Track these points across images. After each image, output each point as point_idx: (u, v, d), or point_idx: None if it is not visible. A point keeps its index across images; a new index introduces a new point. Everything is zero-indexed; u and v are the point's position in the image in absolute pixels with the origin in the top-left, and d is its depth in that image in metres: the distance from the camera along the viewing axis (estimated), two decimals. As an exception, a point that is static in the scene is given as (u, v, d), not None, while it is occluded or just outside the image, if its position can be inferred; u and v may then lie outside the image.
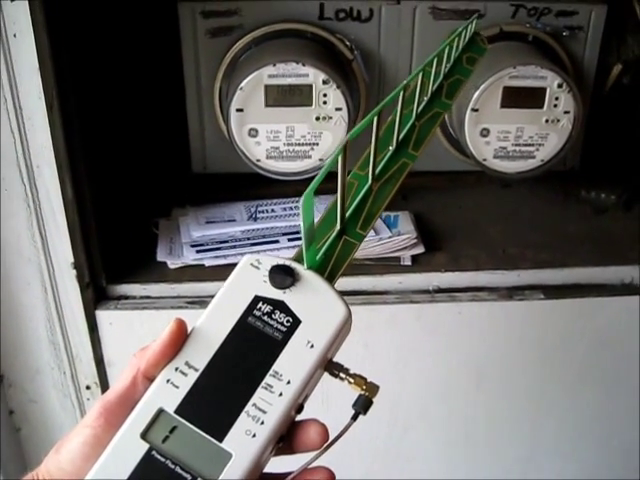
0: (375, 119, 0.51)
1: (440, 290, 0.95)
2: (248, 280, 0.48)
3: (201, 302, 0.92)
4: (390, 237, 0.96)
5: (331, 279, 0.49)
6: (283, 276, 0.48)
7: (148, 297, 0.94)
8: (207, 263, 0.94)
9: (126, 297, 0.94)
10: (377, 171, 0.56)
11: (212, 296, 0.92)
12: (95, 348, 0.94)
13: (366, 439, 1.04)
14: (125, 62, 1.01)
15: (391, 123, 0.58)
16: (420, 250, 0.97)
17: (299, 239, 0.95)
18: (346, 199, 0.51)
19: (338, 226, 0.52)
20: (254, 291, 0.48)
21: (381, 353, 0.96)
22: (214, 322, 0.47)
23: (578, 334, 0.99)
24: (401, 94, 0.55)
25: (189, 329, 0.47)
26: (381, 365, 0.98)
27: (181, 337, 0.46)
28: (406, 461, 1.09)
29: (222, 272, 0.90)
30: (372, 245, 0.95)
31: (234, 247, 0.95)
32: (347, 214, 0.53)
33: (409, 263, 0.96)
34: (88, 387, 0.97)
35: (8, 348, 0.93)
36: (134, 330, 0.93)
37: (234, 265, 0.93)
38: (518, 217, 1.05)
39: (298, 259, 0.49)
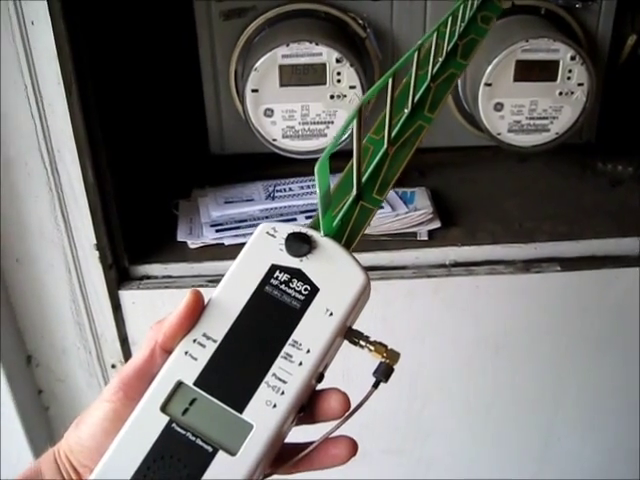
0: (390, 81, 0.50)
1: (457, 264, 0.96)
2: (264, 249, 0.47)
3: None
4: (407, 213, 0.97)
5: (348, 246, 0.49)
6: (300, 244, 0.47)
7: (169, 277, 0.95)
8: (227, 242, 0.95)
9: (148, 277, 0.95)
10: (393, 135, 0.55)
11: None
12: (119, 327, 0.96)
13: (386, 413, 1.05)
14: (141, 46, 1.03)
15: (406, 85, 0.57)
16: (436, 225, 0.98)
17: (317, 216, 0.97)
18: (362, 164, 0.50)
19: (354, 192, 0.51)
20: (270, 260, 0.47)
21: (399, 327, 0.97)
22: (231, 293, 0.46)
23: (595, 305, 0.99)
24: (415, 55, 0.54)
25: (206, 301, 0.47)
26: (399, 339, 0.96)
27: (198, 309, 0.46)
28: (426, 435, 1.10)
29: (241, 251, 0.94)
30: (389, 221, 0.96)
31: (253, 226, 0.96)
32: (363, 179, 0.52)
33: (426, 238, 0.97)
34: (113, 366, 0.99)
35: (35, 329, 0.96)
36: (156, 309, 0.94)
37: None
38: (534, 190, 1.05)
39: (315, 226, 0.49)
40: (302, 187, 1.02)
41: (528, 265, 0.96)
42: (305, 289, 0.46)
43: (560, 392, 1.07)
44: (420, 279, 0.95)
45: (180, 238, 0.97)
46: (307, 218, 0.96)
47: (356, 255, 0.49)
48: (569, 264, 0.96)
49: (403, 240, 0.96)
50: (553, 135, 0.98)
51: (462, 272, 0.95)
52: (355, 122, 0.46)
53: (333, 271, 0.47)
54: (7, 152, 0.83)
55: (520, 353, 1.02)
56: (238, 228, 0.96)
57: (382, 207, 0.96)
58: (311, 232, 0.48)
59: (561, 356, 1.03)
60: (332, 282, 0.47)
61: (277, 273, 0.47)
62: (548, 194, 1.05)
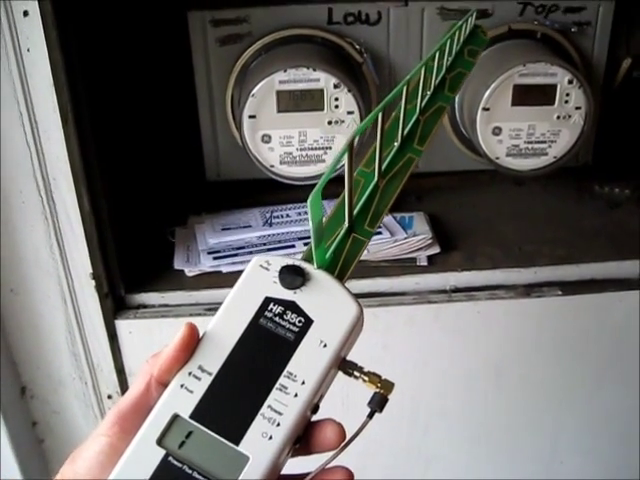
0: (380, 115, 0.50)
1: (457, 290, 0.95)
2: (258, 281, 0.48)
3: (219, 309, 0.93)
4: (406, 238, 0.96)
5: (341, 277, 0.49)
6: (293, 276, 0.47)
7: (166, 305, 0.94)
8: (224, 269, 0.94)
9: (145, 306, 0.94)
10: (383, 167, 0.55)
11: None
12: (115, 357, 0.94)
13: (386, 439, 1.04)
14: (137, 73, 1.02)
15: (395, 119, 0.57)
16: (436, 250, 0.97)
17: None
18: (353, 197, 0.51)
19: (346, 224, 0.51)
20: (264, 292, 0.47)
21: (400, 354, 0.97)
22: (226, 325, 0.47)
23: (596, 329, 0.99)
24: (404, 89, 0.54)
25: (201, 333, 0.47)
26: (401, 366, 0.98)
27: (193, 341, 0.46)
28: (427, 461, 1.09)
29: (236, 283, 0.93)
30: (388, 247, 0.95)
31: (251, 253, 0.95)
32: (355, 212, 0.52)
33: (425, 263, 0.96)
34: (110, 396, 0.97)
35: (30, 360, 0.94)
36: (154, 338, 0.93)
37: (251, 271, 0.94)
38: (532, 214, 1.05)
39: (307, 258, 0.49)
40: (299, 213, 1.02)
41: (529, 290, 0.96)
42: (299, 321, 0.47)
43: (562, 416, 1.06)
44: (420, 305, 0.94)
45: (177, 266, 0.96)
46: (305, 245, 0.95)
47: (355, 281, 0.50)
48: (570, 288, 0.96)
49: (402, 266, 0.96)
50: (551, 159, 0.97)
51: (462, 297, 0.95)
52: (346, 156, 0.47)
53: (327, 303, 0.47)
54: (2, 180, 0.82)
55: (521, 378, 1.02)
56: (236, 255, 0.95)
57: (379, 233, 0.96)
58: (304, 265, 0.48)
59: (563, 380, 1.03)
60: (326, 314, 0.47)
61: (271, 305, 0.47)
62: (547, 217, 1.05)
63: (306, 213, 1.01)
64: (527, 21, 0.98)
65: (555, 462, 1.11)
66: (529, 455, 1.10)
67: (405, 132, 0.58)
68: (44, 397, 0.97)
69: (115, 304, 0.93)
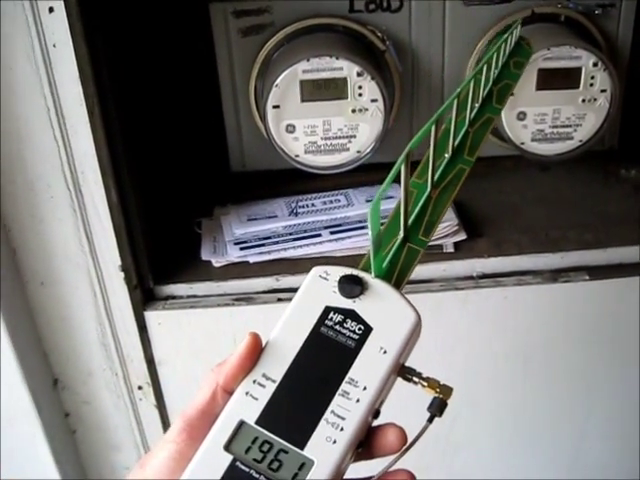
0: (433, 128, 0.52)
1: (484, 276, 0.95)
2: (318, 291, 0.49)
3: (247, 299, 0.93)
4: (432, 225, 0.96)
5: (398, 286, 0.50)
6: (352, 285, 0.49)
7: (195, 296, 0.95)
8: (251, 260, 0.94)
9: (173, 297, 0.95)
10: (435, 178, 0.57)
11: (258, 292, 0.94)
12: (145, 348, 0.95)
13: (414, 429, 1.04)
14: (161, 65, 1.03)
15: (445, 131, 0.59)
16: (462, 237, 0.97)
17: (341, 232, 0.97)
18: (408, 208, 0.52)
19: (402, 234, 0.53)
20: (324, 302, 0.49)
21: (427, 341, 0.95)
22: (288, 334, 0.48)
23: (624, 313, 0.98)
24: (455, 102, 0.56)
25: (263, 342, 0.48)
26: (428, 353, 0.96)
27: (257, 350, 0.48)
28: (455, 449, 1.09)
29: (266, 268, 0.94)
30: (414, 234, 0.95)
31: (277, 243, 0.96)
32: (409, 222, 0.54)
33: (452, 250, 0.96)
34: (140, 387, 0.98)
35: (60, 352, 0.95)
36: (182, 329, 0.94)
37: (278, 260, 0.95)
38: (559, 199, 1.04)
39: (365, 268, 0.50)
40: (325, 202, 1.02)
41: (556, 275, 0.95)
42: (359, 329, 0.48)
43: (591, 402, 1.06)
44: (447, 292, 0.94)
45: (204, 257, 0.96)
46: (331, 233, 0.96)
47: (405, 285, 0.51)
48: (597, 273, 0.95)
49: (429, 253, 0.95)
50: (577, 143, 0.97)
51: (490, 284, 0.94)
52: (403, 167, 0.48)
53: (385, 311, 0.49)
54: (29, 174, 0.84)
55: (550, 363, 1.01)
56: (262, 245, 0.96)
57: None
58: (362, 274, 0.50)
59: (591, 365, 1.02)
60: (385, 321, 0.48)
61: (331, 314, 0.49)
62: (572, 202, 1.04)
63: (332, 202, 1.02)
64: (551, 4, 0.97)
65: (583, 448, 1.11)
66: (557, 441, 1.10)
67: (456, 144, 0.60)
68: (75, 388, 0.98)
69: (144, 295, 0.94)
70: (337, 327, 0.48)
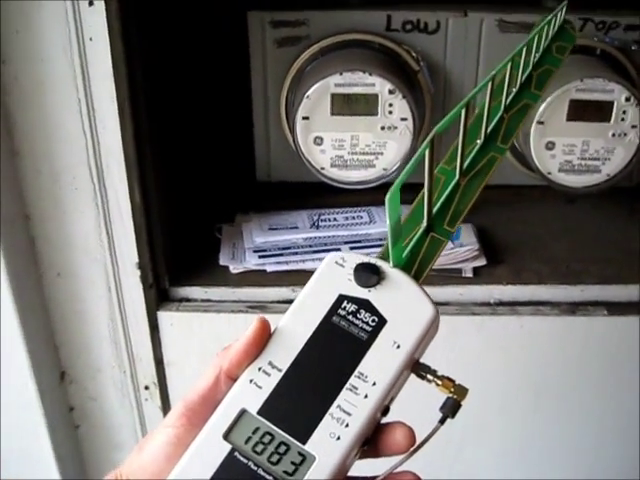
0: (463, 111, 0.50)
1: (501, 303, 0.94)
2: (332, 278, 0.48)
3: (262, 307, 0.93)
4: (452, 248, 0.96)
5: (418, 277, 0.48)
6: (368, 274, 0.47)
7: (209, 300, 0.94)
8: (269, 269, 0.94)
9: (188, 299, 0.95)
10: (465, 165, 0.54)
11: (273, 302, 0.94)
12: (155, 348, 0.95)
13: (419, 457, 1.03)
14: (194, 69, 1.03)
15: (479, 116, 0.57)
16: (482, 262, 0.96)
17: (360, 248, 0.97)
18: (433, 195, 0.50)
19: (425, 223, 0.51)
20: (338, 290, 0.47)
21: (440, 364, 0.95)
22: (298, 321, 0.47)
23: (642, 352, 0.97)
24: (489, 85, 0.53)
25: (272, 329, 0.47)
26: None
27: (264, 336, 0.46)
28: (461, 473, 1.07)
29: (283, 278, 0.94)
30: (433, 255, 0.95)
31: (296, 254, 0.95)
32: (434, 210, 0.51)
33: (470, 275, 0.96)
34: (147, 387, 0.98)
35: (71, 345, 0.95)
36: (194, 332, 0.94)
37: (296, 271, 0.94)
38: (582, 232, 1.04)
39: (384, 257, 0.48)
40: (347, 217, 1.02)
41: (574, 307, 0.94)
42: (373, 320, 0.46)
43: (601, 441, 1.04)
44: (463, 316, 0.93)
45: (222, 262, 0.96)
46: (351, 249, 0.96)
47: (425, 277, 0.49)
48: (616, 308, 0.94)
49: (447, 276, 0.95)
50: (604, 177, 0.96)
51: (506, 311, 0.93)
52: (427, 153, 0.46)
53: (402, 303, 0.47)
54: (56, 164, 0.84)
55: (562, 397, 1.00)
56: (281, 255, 0.95)
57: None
58: (380, 263, 0.48)
59: (604, 402, 1.01)
60: (400, 314, 0.46)
61: (345, 303, 0.47)
62: (596, 236, 1.03)
63: (354, 218, 1.02)
64: (587, 37, 0.97)
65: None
66: (565, 476, 1.08)
67: (489, 130, 0.57)
68: (82, 383, 0.98)
69: (158, 295, 0.94)
70: (350, 317, 0.46)
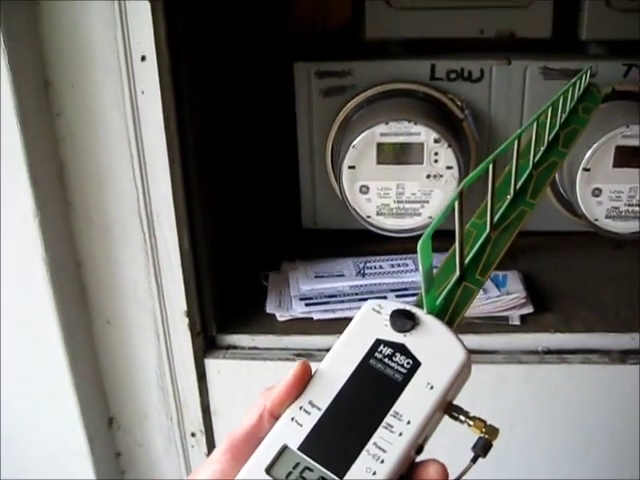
0: (490, 167, 0.52)
1: (549, 351, 0.93)
2: (370, 324, 0.50)
3: (309, 355, 0.93)
4: (499, 296, 0.95)
5: (451, 324, 0.50)
6: (404, 320, 0.49)
7: (256, 348, 0.95)
8: (315, 317, 0.95)
9: (235, 347, 0.95)
10: (495, 219, 0.56)
11: (320, 350, 0.94)
12: (202, 396, 0.96)
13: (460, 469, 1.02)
14: (242, 119, 1.05)
15: (508, 173, 0.59)
16: (529, 310, 0.96)
17: (407, 295, 0.96)
18: (465, 246, 0.52)
19: (457, 272, 0.53)
20: (375, 334, 0.49)
21: (487, 413, 0.94)
22: (337, 364, 0.49)
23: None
24: (515, 143, 0.56)
25: (313, 371, 0.49)
26: (487, 425, 0.95)
27: (305, 378, 0.48)
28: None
29: (330, 326, 0.94)
30: (480, 304, 0.94)
31: (342, 302, 0.96)
32: (466, 261, 0.54)
33: (518, 323, 0.95)
34: (193, 434, 0.98)
35: (119, 391, 0.96)
36: (241, 380, 0.94)
37: (342, 319, 0.94)
38: (630, 278, 1.02)
39: (418, 304, 0.50)
40: (392, 265, 1.02)
41: (624, 356, 0.93)
42: (407, 363, 0.48)
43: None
44: (511, 364, 0.92)
45: (269, 310, 0.97)
46: (397, 297, 0.96)
47: (458, 323, 0.51)
48: (668, 357, 0.93)
49: (494, 324, 0.95)
50: (652, 223, 0.95)
51: (555, 360, 0.92)
52: (457, 204, 0.48)
53: (435, 347, 0.48)
54: (107, 214, 0.86)
55: (613, 449, 0.98)
56: (327, 303, 0.96)
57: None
58: (415, 309, 0.50)
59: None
60: (434, 357, 0.48)
61: (381, 347, 0.49)
62: (645, 284, 1.02)
63: (399, 265, 1.02)
64: (631, 82, 0.97)
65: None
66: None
67: (518, 186, 0.59)
68: (130, 429, 0.99)
69: (206, 343, 0.95)
70: (386, 360, 0.48)
